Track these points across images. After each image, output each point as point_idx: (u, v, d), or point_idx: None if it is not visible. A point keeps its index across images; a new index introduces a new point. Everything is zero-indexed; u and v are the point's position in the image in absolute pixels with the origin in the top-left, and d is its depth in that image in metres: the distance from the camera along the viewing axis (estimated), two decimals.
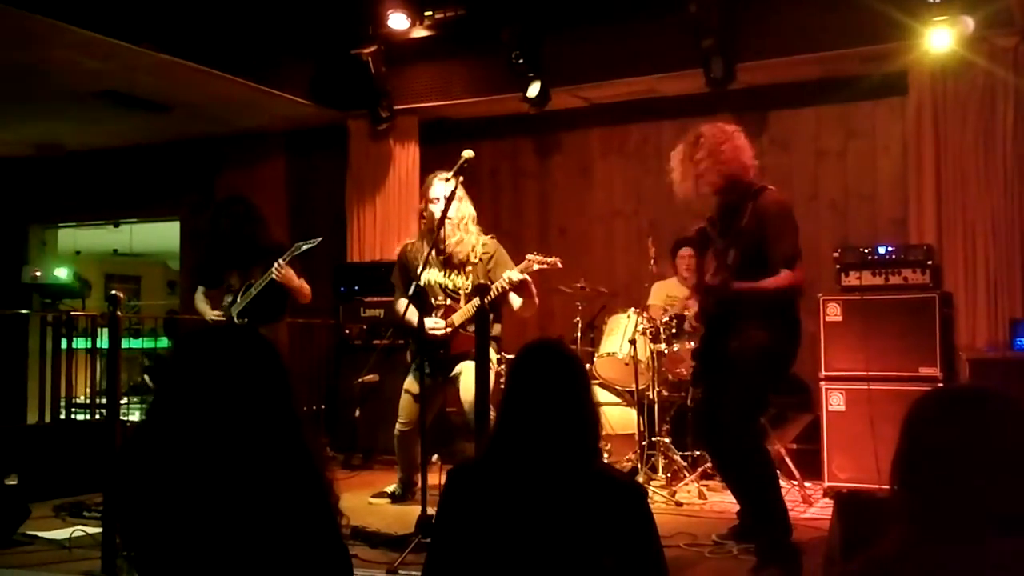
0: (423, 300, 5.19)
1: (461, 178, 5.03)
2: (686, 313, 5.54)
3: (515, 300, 5.28)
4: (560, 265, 5.23)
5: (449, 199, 5.02)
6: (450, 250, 5.34)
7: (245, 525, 1.67)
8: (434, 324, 5.30)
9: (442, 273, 5.42)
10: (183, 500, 1.66)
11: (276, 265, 5.38)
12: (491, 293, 5.04)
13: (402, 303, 5.35)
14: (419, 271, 5.10)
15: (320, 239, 5.54)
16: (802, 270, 4.18)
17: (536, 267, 5.12)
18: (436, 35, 7.57)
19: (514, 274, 5.13)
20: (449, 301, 5.43)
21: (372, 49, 7.56)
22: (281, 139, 9.02)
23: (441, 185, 5.29)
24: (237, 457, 1.69)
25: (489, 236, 5.52)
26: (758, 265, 4.04)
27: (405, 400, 5.50)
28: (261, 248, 5.55)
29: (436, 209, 5.25)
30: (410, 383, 5.49)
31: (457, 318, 5.34)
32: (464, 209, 5.36)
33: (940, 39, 6.13)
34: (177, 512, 1.67)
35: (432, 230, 5.23)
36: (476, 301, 5.05)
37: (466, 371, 5.26)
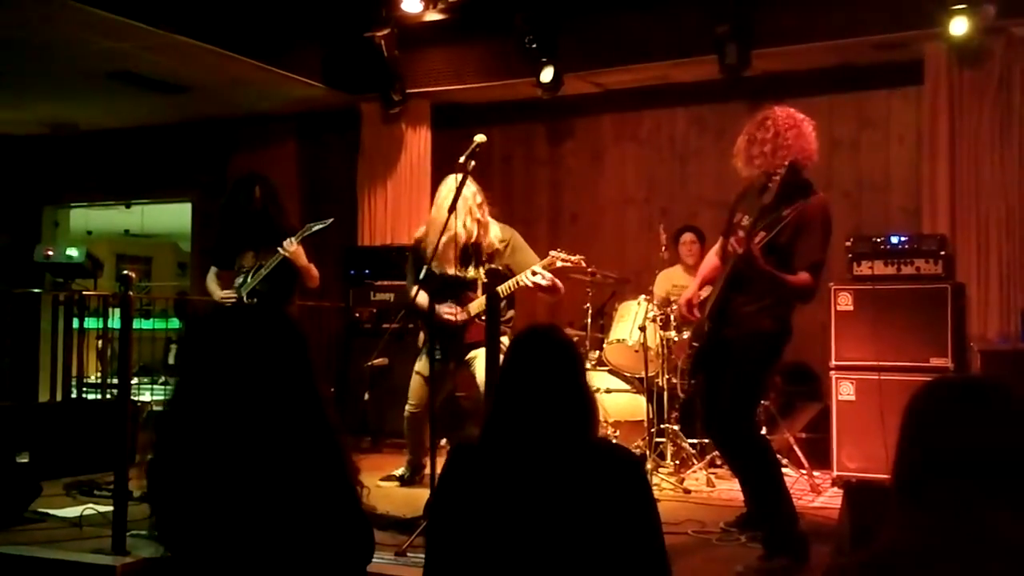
0: (434, 285, 5.18)
1: (473, 163, 4.99)
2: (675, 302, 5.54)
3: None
4: (584, 264, 5.24)
5: (460, 186, 4.98)
6: (476, 240, 5.29)
7: (269, 499, 1.69)
8: (449, 310, 5.29)
9: (458, 267, 5.37)
10: (212, 477, 1.68)
11: (287, 241, 5.38)
12: (508, 286, 5.05)
13: (414, 289, 5.35)
14: (430, 262, 5.08)
15: (331, 220, 5.54)
16: (820, 280, 4.16)
17: (559, 264, 5.11)
18: (449, 18, 7.54)
19: (536, 278, 5.07)
20: (467, 292, 5.40)
21: (385, 32, 7.54)
22: (293, 122, 9.01)
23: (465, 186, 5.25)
24: (262, 433, 1.71)
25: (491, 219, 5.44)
26: (779, 255, 4.02)
27: (416, 382, 5.51)
28: (276, 228, 5.55)
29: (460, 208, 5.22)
30: (421, 365, 5.50)
31: (473, 307, 5.32)
32: (480, 197, 5.31)
33: (958, 27, 6.08)
34: (206, 489, 1.68)
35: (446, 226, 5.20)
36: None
37: (481, 356, 5.25)
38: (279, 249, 5.41)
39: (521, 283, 5.14)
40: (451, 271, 5.30)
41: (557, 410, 2.27)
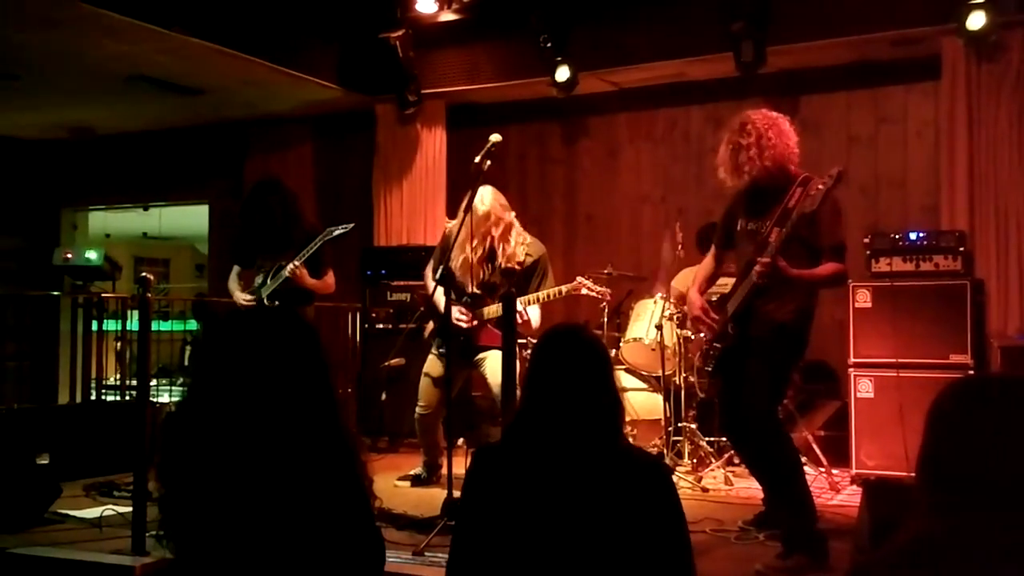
0: (451, 283, 5.18)
1: (488, 163, 4.97)
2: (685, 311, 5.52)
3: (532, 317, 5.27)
4: (608, 298, 5.29)
5: (475, 185, 4.99)
6: (493, 248, 5.28)
7: (280, 505, 1.67)
8: (459, 315, 5.29)
9: (476, 285, 5.36)
10: (220, 480, 1.67)
11: (292, 265, 5.40)
12: (519, 308, 5.05)
13: (432, 283, 5.35)
14: (449, 264, 5.10)
15: (352, 225, 5.55)
16: (846, 261, 4.16)
17: (584, 291, 5.10)
18: (464, 19, 7.55)
19: (533, 311, 5.12)
20: (485, 297, 5.39)
21: (400, 33, 7.55)
22: (309, 123, 9.04)
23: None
24: (273, 438, 1.70)
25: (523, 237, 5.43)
26: (799, 247, 4.01)
27: (424, 384, 5.49)
28: (295, 233, 5.57)
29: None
30: (429, 366, 5.49)
31: (485, 312, 5.32)
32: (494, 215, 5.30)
33: (976, 22, 6.04)
34: (213, 492, 1.67)
35: (484, 235, 5.22)
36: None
37: (491, 356, 5.26)
38: (283, 271, 5.43)
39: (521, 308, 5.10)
40: (470, 289, 5.35)
41: (586, 412, 2.24)
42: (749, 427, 4.20)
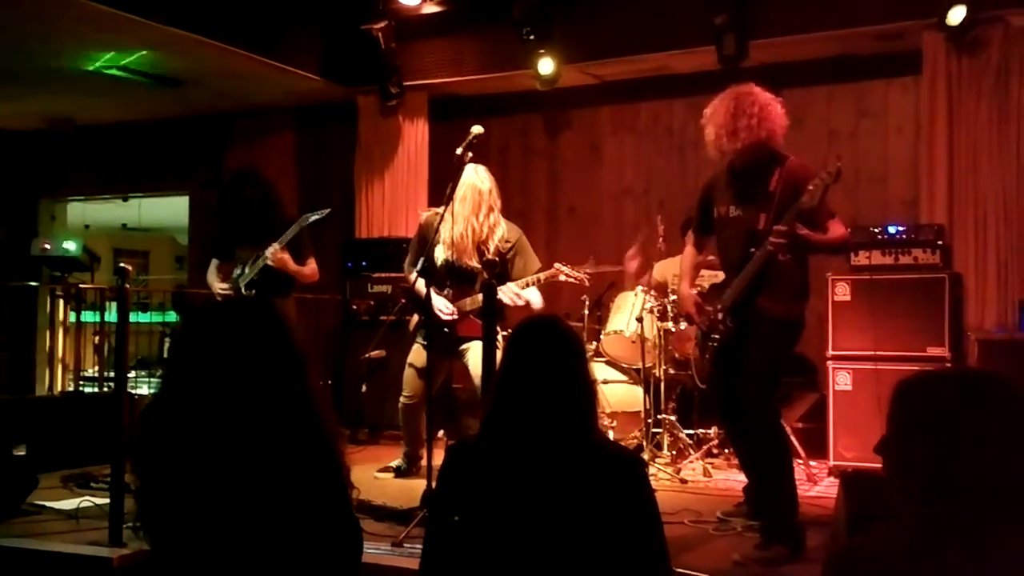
0: (431, 275, 5.18)
1: (470, 154, 4.96)
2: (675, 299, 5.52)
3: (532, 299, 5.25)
4: (587, 283, 5.28)
5: (457, 176, 4.98)
6: (488, 236, 5.28)
7: (257, 497, 1.67)
8: (444, 306, 5.29)
9: (457, 254, 5.35)
10: (196, 472, 1.67)
11: (272, 249, 5.36)
12: (501, 295, 5.03)
13: (414, 275, 5.33)
14: (432, 252, 5.08)
15: (328, 211, 5.53)
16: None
17: (562, 278, 5.10)
18: (447, 10, 7.53)
19: (511, 294, 5.09)
20: (466, 285, 5.38)
21: (382, 24, 7.52)
22: (291, 115, 9.00)
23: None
24: (249, 429, 1.69)
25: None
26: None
27: (409, 374, 5.50)
28: (273, 221, 5.54)
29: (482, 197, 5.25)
30: (413, 356, 5.49)
31: (467, 304, 5.32)
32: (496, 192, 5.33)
33: (955, 16, 6.08)
34: (189, 484, 1.67)
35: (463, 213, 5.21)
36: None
37: (475, 348, 5.25)
38: (264, 256, 5.39)
39: (510, 297, 5.09)
40: (471, 262, 5.29)
41: (559, 405, 2.22)
42: (747, 420, 4.18)
